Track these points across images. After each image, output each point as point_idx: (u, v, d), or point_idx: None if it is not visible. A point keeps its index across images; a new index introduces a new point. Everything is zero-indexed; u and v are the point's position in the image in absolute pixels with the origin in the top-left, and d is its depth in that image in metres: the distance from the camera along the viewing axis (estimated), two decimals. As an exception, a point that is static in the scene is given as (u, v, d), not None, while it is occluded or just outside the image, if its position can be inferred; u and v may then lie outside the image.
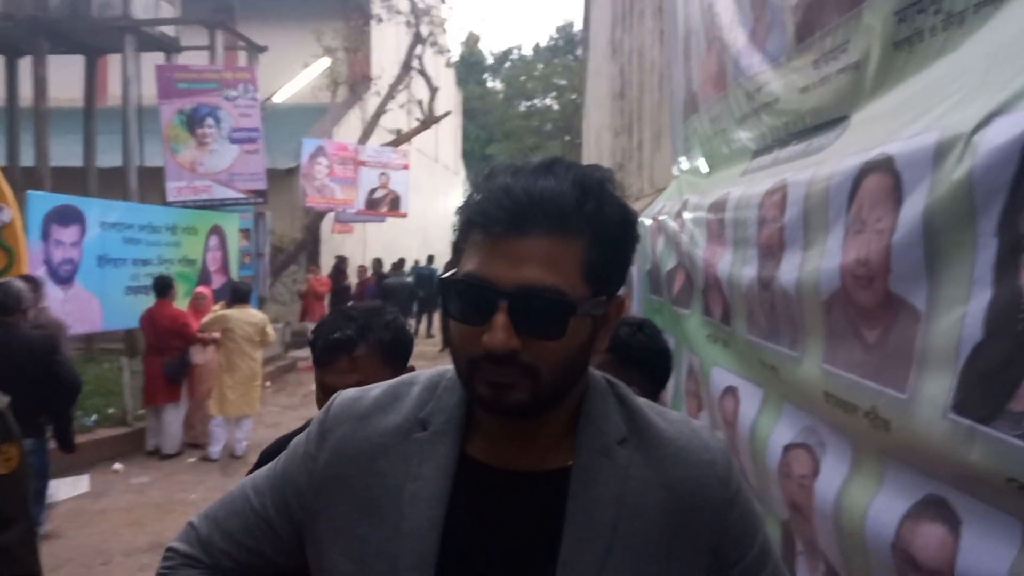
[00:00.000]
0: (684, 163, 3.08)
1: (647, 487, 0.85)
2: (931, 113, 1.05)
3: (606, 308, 0.83)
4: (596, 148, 8.09)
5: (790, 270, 1.44)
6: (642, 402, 0.93)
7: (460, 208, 0.82)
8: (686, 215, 2.45)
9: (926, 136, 1.00)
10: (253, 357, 6.75)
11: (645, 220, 3.29)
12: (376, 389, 0.95)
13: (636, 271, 3.50)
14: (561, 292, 0.76)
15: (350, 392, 0.96)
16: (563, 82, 25.90)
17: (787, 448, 1.47)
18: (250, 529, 0.94)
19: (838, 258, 1.20)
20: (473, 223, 0.79)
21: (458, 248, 0.82)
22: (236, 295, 7.02)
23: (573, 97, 23.52)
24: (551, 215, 0.76)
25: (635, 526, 0.83)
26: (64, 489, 6.06)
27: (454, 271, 0.80)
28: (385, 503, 0.86)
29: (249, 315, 6.76)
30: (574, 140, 20.78)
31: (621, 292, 0.86)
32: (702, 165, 2.73)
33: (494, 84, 33.75)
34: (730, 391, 1.92)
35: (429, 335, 14.83)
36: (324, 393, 1.44)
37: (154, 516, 5.46)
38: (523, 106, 28.21)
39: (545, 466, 0.86)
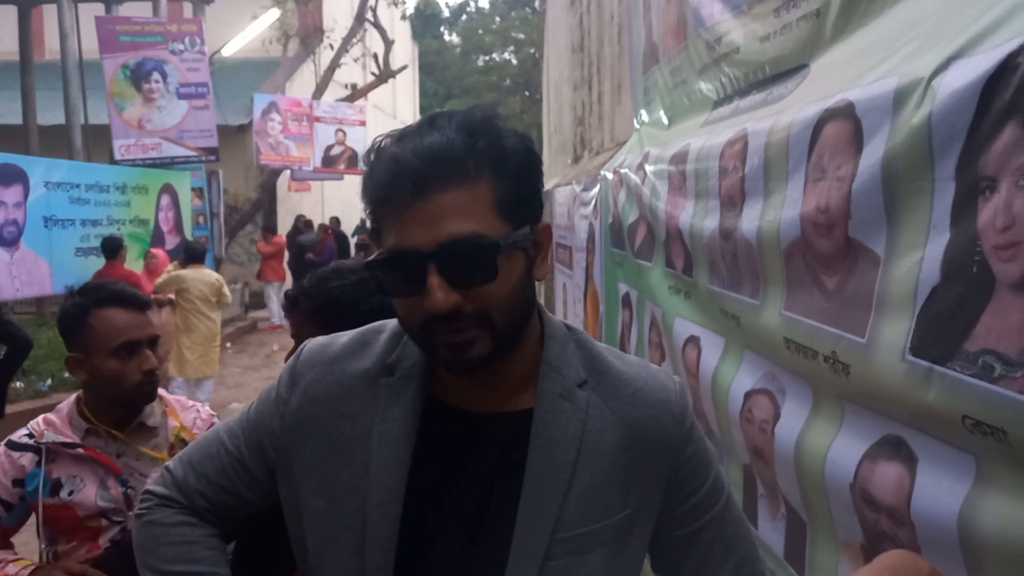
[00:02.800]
0: (645, 116, 3.07)
1: (605, 426, 0.89)
2: (891, 59, 1.05)
3: (534, 238, 0.85)
4: (556, 102, 8.02)
5: (751, 220, 1.45)
6: (602, 347, 0.97)
7: (362, 192, 0.83)
8: (647, 168, 2.45)
9: (885, 82, 1.00)
10: (210, 317, 6.63)
11: (607, 174, 3.28)
12: (345, 336, 0.98)
13: (598, 225, 3.50)
14: (481, 235, 0.78)
15: (320, 339, 0.99)
16: (521, 36, 25.53)
17: (748, 394, 1.50)
18: (224, 470, 0.97)
19: (798, 206, 1.21)
20: (378, 201, 0.81)
21: (376, 231, 0.83)
22: (190, 255, 6.85)
23: (532, 51, 23.21)
24: (446, 168, 0.78)
25: (594, 463, 0.88)
26: (21, 456, 5.94)
27: (379, 252, 0.82)
28: (354, 443, 0.89)
29: (204, 275, 6.63)
30: (534, 95, 20.59)
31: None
32: (663, 117, 2.72)
33: (451, 38, 33.10)
34: (692, 341, 1.94)
35: None
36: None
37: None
38: (481, 61, 27.79)
39: (508, 407, 0.90)
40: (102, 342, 1.66)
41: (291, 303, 1.60)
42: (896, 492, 0.92)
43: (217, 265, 10.94)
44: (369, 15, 14.37)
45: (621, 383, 0.92)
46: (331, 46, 14.53)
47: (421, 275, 0.78)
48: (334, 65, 14.14)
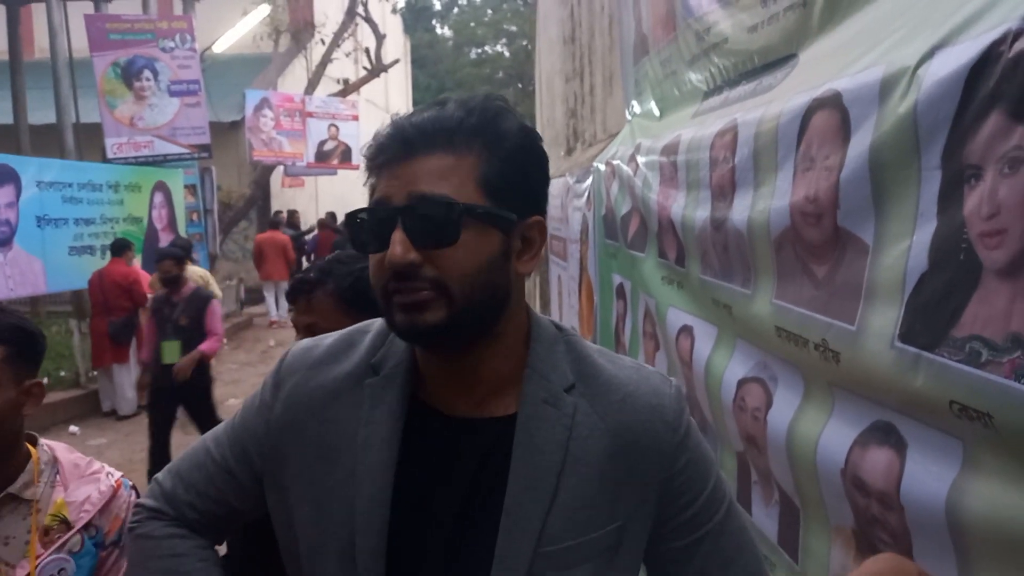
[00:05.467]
0: (636, 107, 3.07)
1: (593, 433, 0.85)
2: (877, 48, 1.06)
3: (523, 229, 0.84)
4: (548, 94, 8.00)
5: (741, 210, 1.46)
6: (593, 349, 0.94)
7: (365, 155, 0.85)
8: (639, 159, 2.45)
9: (872, 71, 1.01)
10: None
11: (599, 165, 3.28)
12: (330, 338, 0.96)
13: (591, 216, 3.51)
14: (448, 197, 0.78)
15: (305, 342, 0.97)
16: (513, 28, 25.46)
17: (741, 382, 1.51)
18: (212, 479, 0.96)
19: (788, 196, 1.22)
20: (370, 161, 0.83)
21: (370, 194, 0.85)
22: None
23: (524, 43, 23.15)
24: (436, 134, 0.80)
25: (580, 472, 0.84)
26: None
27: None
28: (339, 448, 0.87)
29: (189, 271, 6.60)
30: (526, 87, 20.55)
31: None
32: (654, 108, 2.72)
33: (443, 31, 32.98)
34: (685, 330, 1.95)
35: None
36: (297, 332, 1.52)
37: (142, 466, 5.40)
38: (474, 53, 27.71)
39: (491, 412, 0.87)
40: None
41: (312, 285, 1.52)
42: (886, 477, 0.93)
43: (212, 262, 10.92)
44: (360, 9, 14.31)
45: (611, 388, 0.88)
46: (322, 41, 14.46)
47: (389, 230, 0.79)
48: (326, 60, 14.08)
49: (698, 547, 0.90)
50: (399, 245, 0.77)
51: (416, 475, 0.86)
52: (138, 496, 1.47)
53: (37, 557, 1.34)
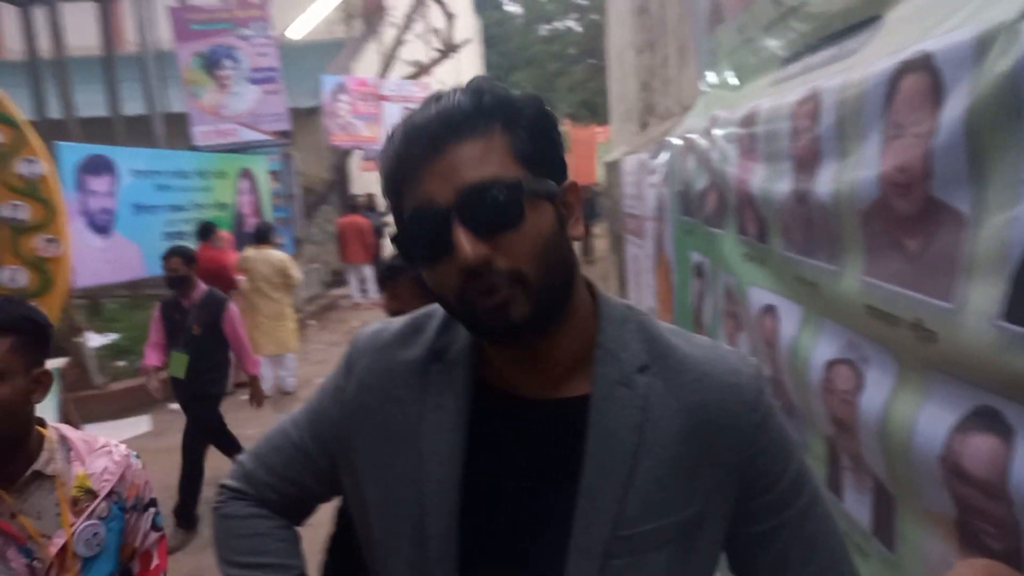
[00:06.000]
0: (711, 77, 2.97)
1: (668, 414, 0.83)
2: (969, 5, 0.98)
3: (562, 195, 0.82)
4: (619, 68, 7.84)
5: (826, 182, 1.39)
6: (666, 327, 0.90)
7: (380, 171, 0.82)
8: (715, 131, 2.38)
9: (965, 30, 0.93)
10: (273, 298, 6.82)
11: (674, 140, 3.20)
12: (397, 322, 0.96)
13: (667, 193, 3.43)
14: (501, 178, 0.75)
15: (373, 325, 0.98)
16: (585, 1, 25.02)
17: (829, 364, 1.45)
18: (290, 461, 0.98)
19: (876, 166, 1.15)
20: (394, 171, 0.79)
21: (396, 203, 0.81)
22: (256, 236, 7.08)
23: (595, 17, 22.75)
24: (456, 122, 0.76)
25: (656, 454, 0.82)
26: (127, 429, 6.34)
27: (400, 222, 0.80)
28: (407, 431, 0.87)
29: (266, 255, 6.81)
30: (599, 62, 20.23)
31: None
32: (730, 78, 2.63)
33: (513, 8, 32.74)
34: (768, 310, 1.89)
35: None
36: (388, 315, 1.57)
37: (212, 452, 5.66)
38: (544, 30, 27.39)
39: (562, 393, 0.85)
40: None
41: (395, 271, 1.56)
42: (991, 466, 0.87)
43: (297, 245, 11.25)
44: (431, -10, 14.37)
45: (685, 367, 0.85)
46: (394, 24, 14.60)
47: (446, 232, 0.75)
48: (398, 43, 14.22)
49: (779, 532, 0.87)
50: (466, 243, 0.74)
51: (486, 458, 0.85)
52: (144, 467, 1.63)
53: (71, 525, 1.45)
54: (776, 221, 1.76)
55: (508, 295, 0.76)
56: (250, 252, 6.89)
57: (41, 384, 1.46)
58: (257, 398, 4.50)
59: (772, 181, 1.75)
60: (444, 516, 0.84)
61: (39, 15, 11.22)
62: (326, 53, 15.30)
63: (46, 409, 4.70)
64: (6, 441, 1.40)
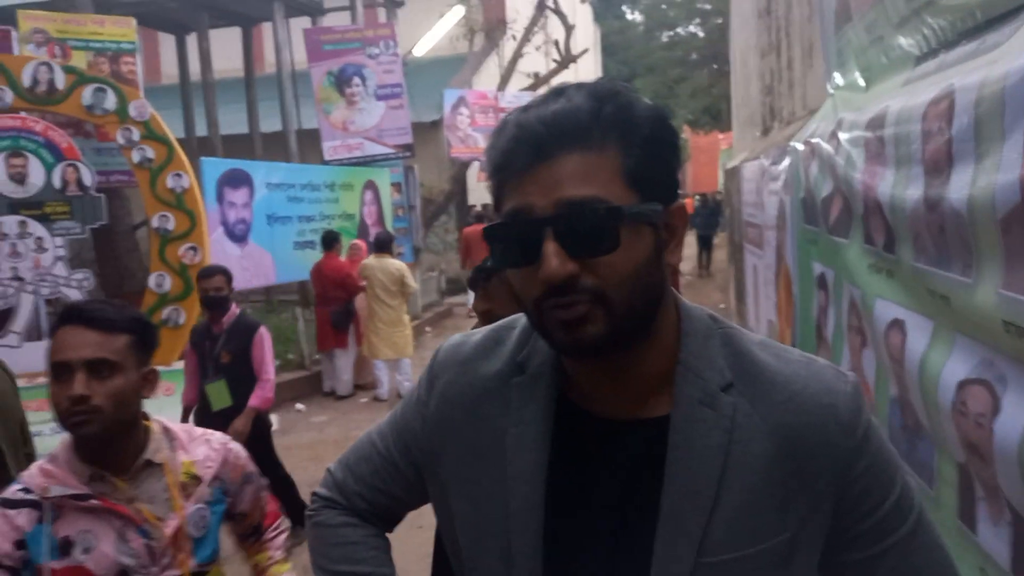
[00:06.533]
0: (838, 79, 2.82)
1: (755, 437, 0.78)
2: None
3: (666, 217, 0.78)
4: (742, 72, 7.60)
5: (960, 187, 1.29)
6: (755, 341, 0.85)
7: (485, 163, 0.80)
8: (841, 135, 2.26)
9: None
10: (390, 304, 7.08)
11: (797, 144, 3.07)
12: (479, 334, 0.96)
13: (789, 201, 3.29)
14: (602, 200, 0.72)
15: (455, 338, 0.98)
16: (708, 6, 24.45)
17: (962, 384, 1.34)
18: (378, 471, 1.00)
19: (1017, 169, 1.05)
20: (499, 169, 0.77)
21: (497, 201, 0.79)
22: (376, 245, 7.38)
23: (719, 21, 22.20)
24: (570, 131, 0.73)
25: (743, 479, 0.77)
26: (255, 428, 6.73)
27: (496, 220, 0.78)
28: (490, 447, 0.87)
29: (385, 264, 7.10)
30: (722, 67, 19.70)
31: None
32: (858, 79, 2.49)
33: (633, 16, 32.47)
34: (896, 324, 1.77)
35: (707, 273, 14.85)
36: (478, 318, 1.67)
37: (332, 451, 5.94)
38: (665, 36, 26.95)
39: (644, 414, 0.82)
40: (47, 364, 1.48)
41: (488, 273, 1.61)
42: None
43: (416, 254, 11.62)
44: (549, 2, 14.48)
45: (775, 386, 0.80)
46: (513, 37, 14.83)
47: (537, 242, 0.72)
48: (517, 55, 14.42)
49: (880, 561, 0.81)
50: (554, 258, 0.71)
51: (569, 477, 0.83)
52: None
53: (182, 508, 1.57)
54: (905, 230, 1.65)
55: (586, 312, 0.74)
56: (370, 261, 7.18)
57: (148, 381, 1.58)
58: (242, 433, 3.78)
59: (901, 187, 1.64)
60: (530, 536, 0.83)
61: (191, 42, 12.20)
62: (448, 68, 15.76)
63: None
64: (118, 428, 1.51)
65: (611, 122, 0.74)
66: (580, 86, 0.77)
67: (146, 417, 1.61)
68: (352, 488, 1.01)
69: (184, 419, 4.21)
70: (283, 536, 1.86)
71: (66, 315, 1.50)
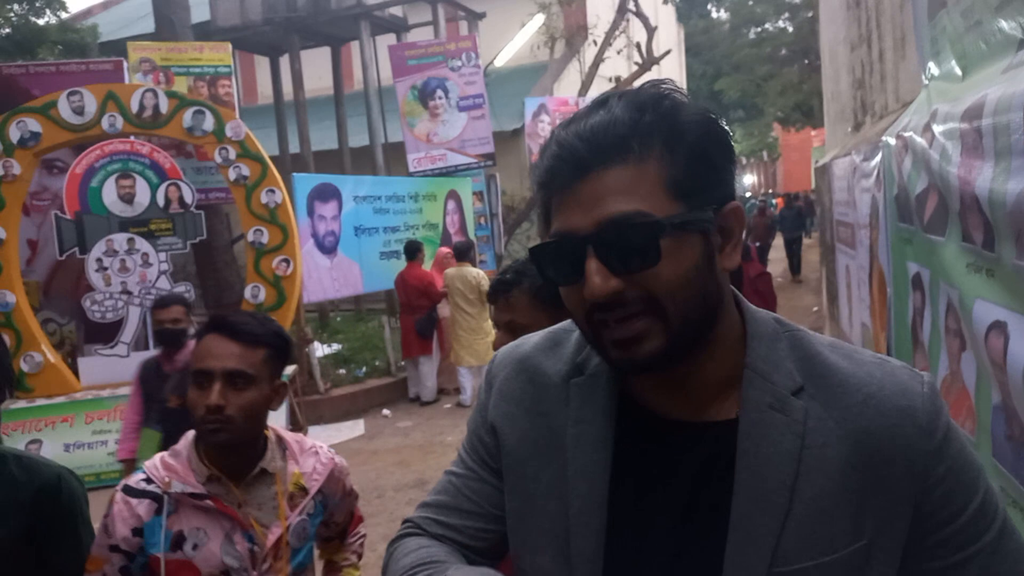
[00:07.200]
0: (932, 69, 2.67)
1: (829, 441, 0.75)
2: None
3: (719, 221, 0.75)
4: (832, 66, 7.32)
5: (1067, 179, 1.20)
6: (824, 343, 0.81)
7: (532, 178, 0.80)
8: (936, 128, 2.13)
9: None
10: (469, 312, 7.17)
11: (889, 139, 2.92)
12: (536, 336, 0.95)
13: (881, 198, 3.14)
14: (642, 214, 0.70)
15: (512, 343, 0.97)
16: (796, 0, 23.69)
17: (1070, 391, 1.24)
18: (459, 492, 0.94)
19: None
20: (543, 186, 0.77)
21: (546, 219, 0.79)
22: (456, 254, 7.48)
23: (809, 15, 21.45)
24: (607, 145, 0.72)
25: (817, 485, 0.74)
26: (344, 432, 6.96)
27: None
28: (549, 444, 0.85)
29: (464, 273, 7.24)
30: (813, 62, 19.02)
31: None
32: (955, 68, 2.35)
33: (719, 15, 31.79)
34: (997, 327, 1.66)
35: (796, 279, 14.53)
36: (497, 329, 1.66)
37: (418, 456, 6.06)
38: (752, 33, 26.28)
39: (709, 417, 0.80)
40: (190, 369, 1.54)
41: (509, 285, 1.62)
42: None
43: (498, 262, 11.71)
44: (631, 4, 14.35)
45: (848, 388, 0.77)
46: (595, 42, 14.76)
47: (580, 260, 0.73)
48: (598, 60, 14.35)
49: (963, 570, 0.76)
50: (597, 276, 0.72)
51: (632, 479, 0.81)
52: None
53: (286, 519, 1.60)
54: (1006, 226, 1.54)
55: (643, 328, 0.73)
56: (450, 270, 7.30)
57: (279, 393, 1.63)
58: None
59: (1001, 180, 1.54)
60: (592, 536, 0.81)
61: (284, 63, 12.73)
62: (529, 76, 15.86)
63: (278, 411, 5.24)
64: (248, 439, 1.57)
65: (651, 132, 0.73)
66: (623, 95, 0.76)
67: (265, 426, 1.65)
68: (434, 519, 0.93)
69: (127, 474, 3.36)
70: (361, 541, 1.92)
71: (213, 324, 1.56)
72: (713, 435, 0.79)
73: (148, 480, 1.56)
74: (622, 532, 0.81)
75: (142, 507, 1.53)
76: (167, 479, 1.54)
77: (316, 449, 1.72)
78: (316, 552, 1.82)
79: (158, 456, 1.61)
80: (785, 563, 0.74)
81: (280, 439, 1.67)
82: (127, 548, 1.52)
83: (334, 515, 1.76)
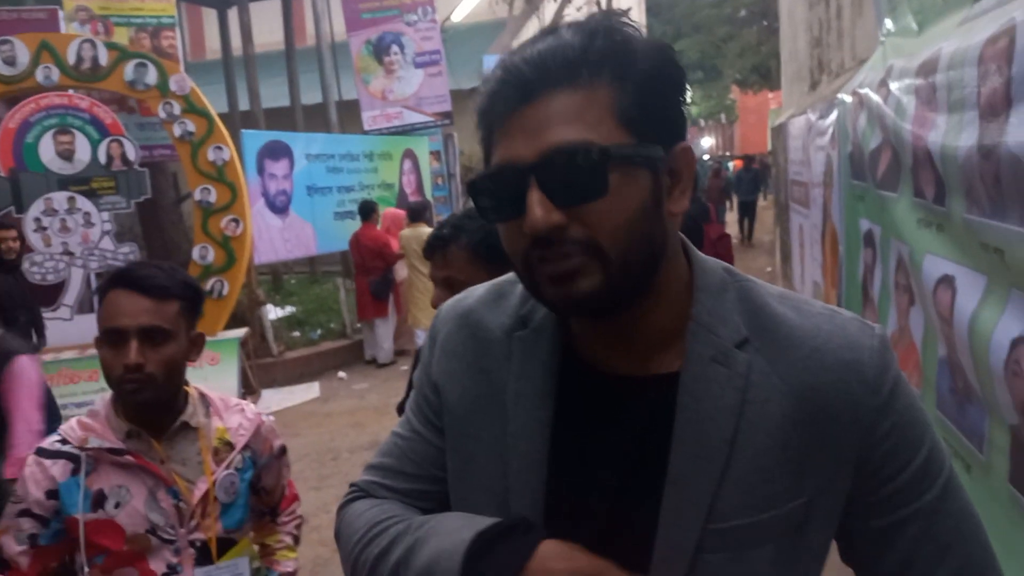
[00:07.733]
0: (889, 24, 2.66)
1: (772, 396, 0.72)
2: None
3: (669, 161, 0.71)
4: (790, 26, 7.32)
5: (1020, 132, 1.19)
6: (774, 294, 0.78)
7: (477, 110, 0.74)
8: (891, 84, 2.13)
9: None
10: (424, 273, 7.06)
11: (844, 96, 2.92)
12: (481, 288, 0.91)
13: (836, 156, 3.15)
14: (591, 142, 0.66)
15: (457, 295, 0.93)
16: (756, -40, 23.59)
17: (1016, 342, 1.25)
18: (404, 454, 0.91)
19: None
20: (485, 113, 0.72)
21: (486, 151, 0.74)
22: (410, 215, 7.37)
23: (767, -25, 21.39)
24: (556, 69, 0.67)
25: (758, 442, 0.72)
26: (298, 394, 6.90)
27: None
28: (491, 401, 0.82)
29: (420, 233, 7.14)
30: (772, 24, 19.04)
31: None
32: (911, 23, 2.34)
33: (678, -27, 31.52)
34: (945, 281, 1.67)
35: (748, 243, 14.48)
36: (435, 285, 1.62)
37: (373, 418, 6.03)
38: (712, -7, 26.16)
39: (653, 370, 0.76)
40: (98, 326, 1.47)
41: (446, 240, 1.58)
42: None
43: (456, 223, 11.59)
44: (591, -39, 14.13)
45: (794, 341, 0.74)
46: (554, -1, 14.53)
47: (522, 192, 0.67)
48: (558, 18, 14.14)
49: (903, 529, 0.74)
50: (539, 208, 0.67)
51: (572, 435, 0.78)
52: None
53: (212, 473, 1.58)
54: (957, 181, 1.54)
55: (579, 264, 0.68)
56: (406, 231, 7.19)
57: (196, 345, 1.58)
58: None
59: (953, 134, 1.53)
60: (530, 494, 0.78)
61: (232, 16, 12.24)
62: (488, 34, 15.56)
63: (229, 374, 5.15)
64: (168, 394, 1.53)
65: (602, 57, 0.68)
66: (573, 24, 0.71)
67: (185, 382, 1.62)
68: (381, 484, 0.91)
69: None
70: (296, 523, 1.85)
71: (117, 278, 1.48)
72: (656, 389, 0.76)
73: (63, 441, 1.51)
74: (562, 491, 0.78)
75: (56, 468, 1.48)
76: (83, 436, 1.50)
77: (242, 407, 1.69)
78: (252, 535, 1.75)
79: (74, 418, 1.56)
80: (722, 519, 0.72)
81: (203, 396, 1.64)
82: (40, 512, 1.47)
83: (263, 477, 1.71)
